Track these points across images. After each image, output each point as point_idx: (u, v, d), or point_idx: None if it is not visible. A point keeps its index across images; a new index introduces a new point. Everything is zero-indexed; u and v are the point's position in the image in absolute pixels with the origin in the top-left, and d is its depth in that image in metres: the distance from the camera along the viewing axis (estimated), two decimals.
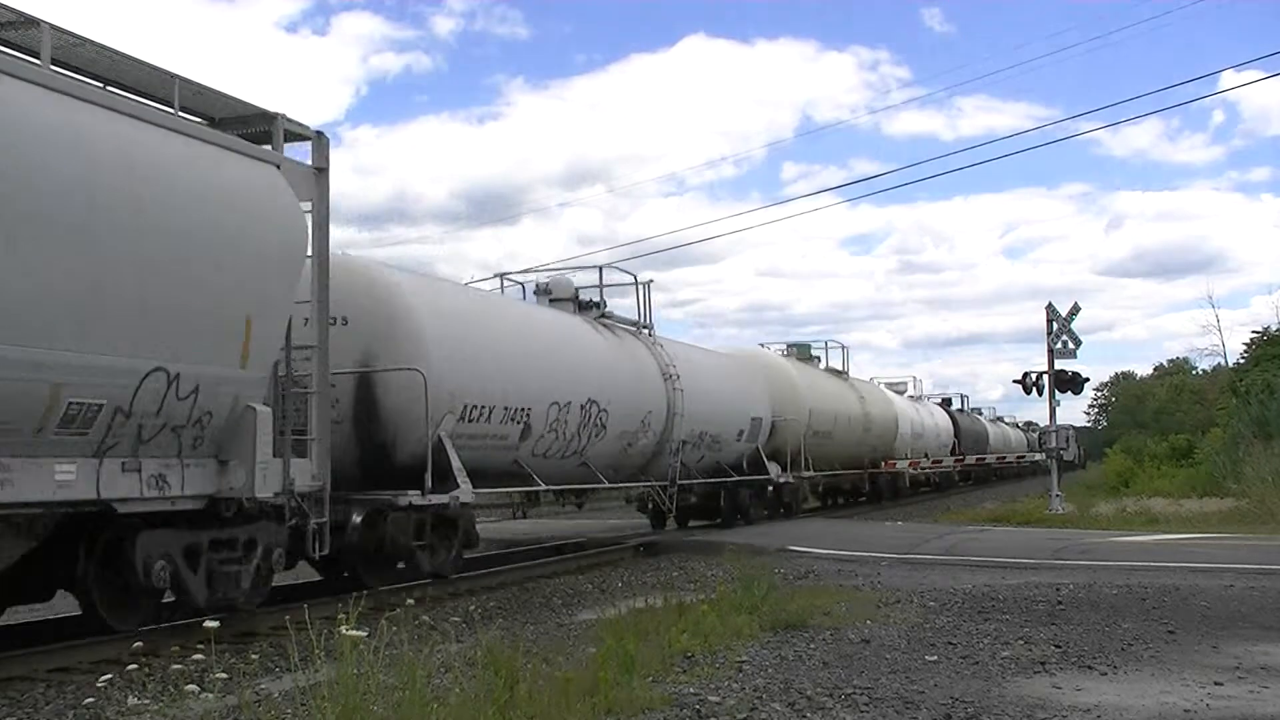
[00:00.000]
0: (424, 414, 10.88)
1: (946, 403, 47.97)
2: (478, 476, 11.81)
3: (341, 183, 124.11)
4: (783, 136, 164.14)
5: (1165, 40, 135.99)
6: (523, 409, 12.97)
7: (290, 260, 9.16)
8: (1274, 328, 41.16)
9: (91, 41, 7.88)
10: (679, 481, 17.55)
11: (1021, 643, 8.04)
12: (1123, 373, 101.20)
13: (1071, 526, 21.27)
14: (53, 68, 7.47)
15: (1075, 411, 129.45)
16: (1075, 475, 52.57)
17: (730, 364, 21.16)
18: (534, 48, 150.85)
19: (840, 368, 29.52)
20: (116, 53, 8.07)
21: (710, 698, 6.18)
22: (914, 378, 43.08)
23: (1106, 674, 6.95)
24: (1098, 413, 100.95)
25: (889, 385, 37.83)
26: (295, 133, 9.73)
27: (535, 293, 16.49)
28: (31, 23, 7.38)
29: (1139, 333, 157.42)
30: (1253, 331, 46.04)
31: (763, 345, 26.65)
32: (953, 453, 40.78)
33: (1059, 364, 25.34)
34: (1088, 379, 26.90)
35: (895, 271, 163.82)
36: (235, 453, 8.57)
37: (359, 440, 11.10)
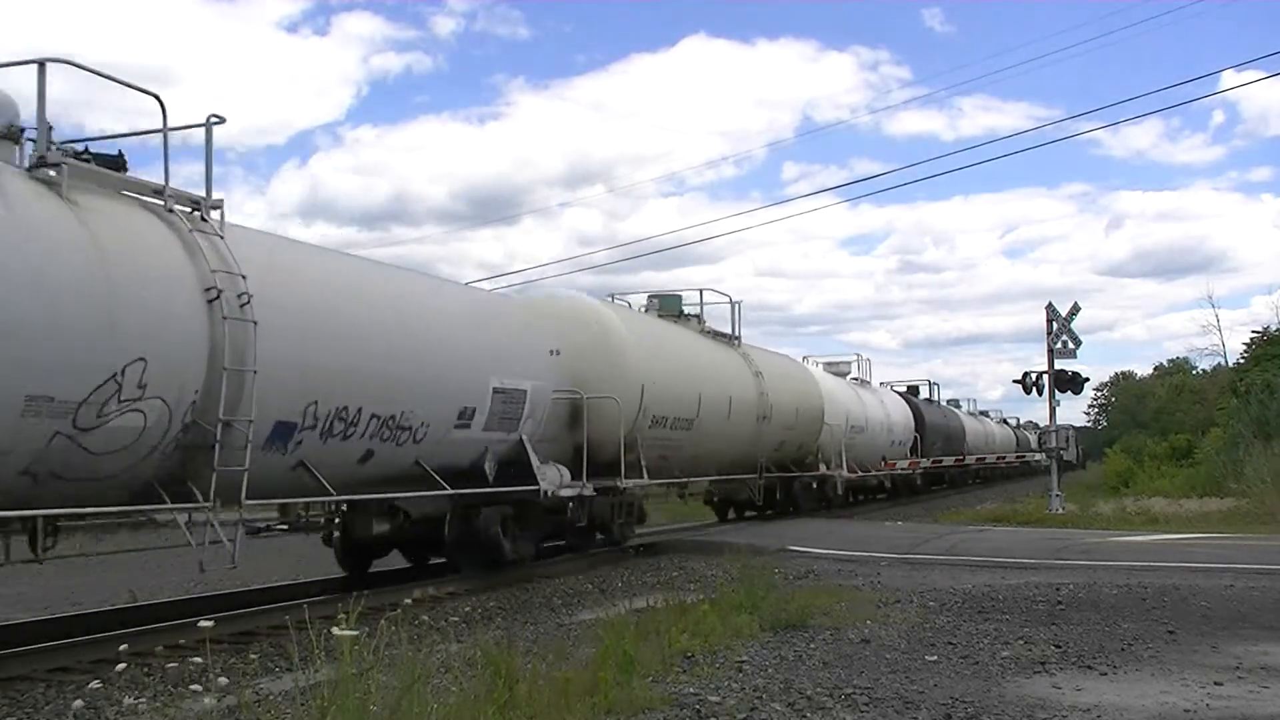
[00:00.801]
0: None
1: (913, 391, 41.02)
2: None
3: (342, 183, 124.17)
4: (783, 136, 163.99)
5: (1165, 40, 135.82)
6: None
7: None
8: (1274, 328, 41.18)
9: None
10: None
11: (1021, 643, 8.04)
12: (1123, 373, 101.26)
13: (1071, 526, 21.26)
14: None
15: (1075, 411, 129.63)
16: (1075, 475, 52.32)
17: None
18: (534, 48, 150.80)
19: (731, 331, 21.14)
20: None
21: (710, 698, 6.18)
22: (858, 356, 33.69)
23: (1106, 674, 6.95)
24: (1098, 413, 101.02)
25: (828, 365, 31.00)
26: None
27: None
28: None
29: (1139, 333, 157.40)
30: (1253, 331, 46.08)
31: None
32: (915, 451, 34.33)
33: (1059, 364, 25.34)
34: (1088, 379, 26.92)
35: (895, 271, 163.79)
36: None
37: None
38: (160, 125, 8.40)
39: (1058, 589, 11.07)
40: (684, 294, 20.39)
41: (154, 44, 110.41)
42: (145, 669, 7.29)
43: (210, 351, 8.13)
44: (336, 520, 11.68)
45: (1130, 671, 7.03)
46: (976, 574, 12.66)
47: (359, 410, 9.86)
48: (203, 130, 8.80)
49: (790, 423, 22.47)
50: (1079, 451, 39.47)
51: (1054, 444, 25.73)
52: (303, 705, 4.98)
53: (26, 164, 7.67)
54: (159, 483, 8.15)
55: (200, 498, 8.17)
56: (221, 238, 8.62)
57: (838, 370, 30.64)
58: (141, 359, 7.52)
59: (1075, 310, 25.53)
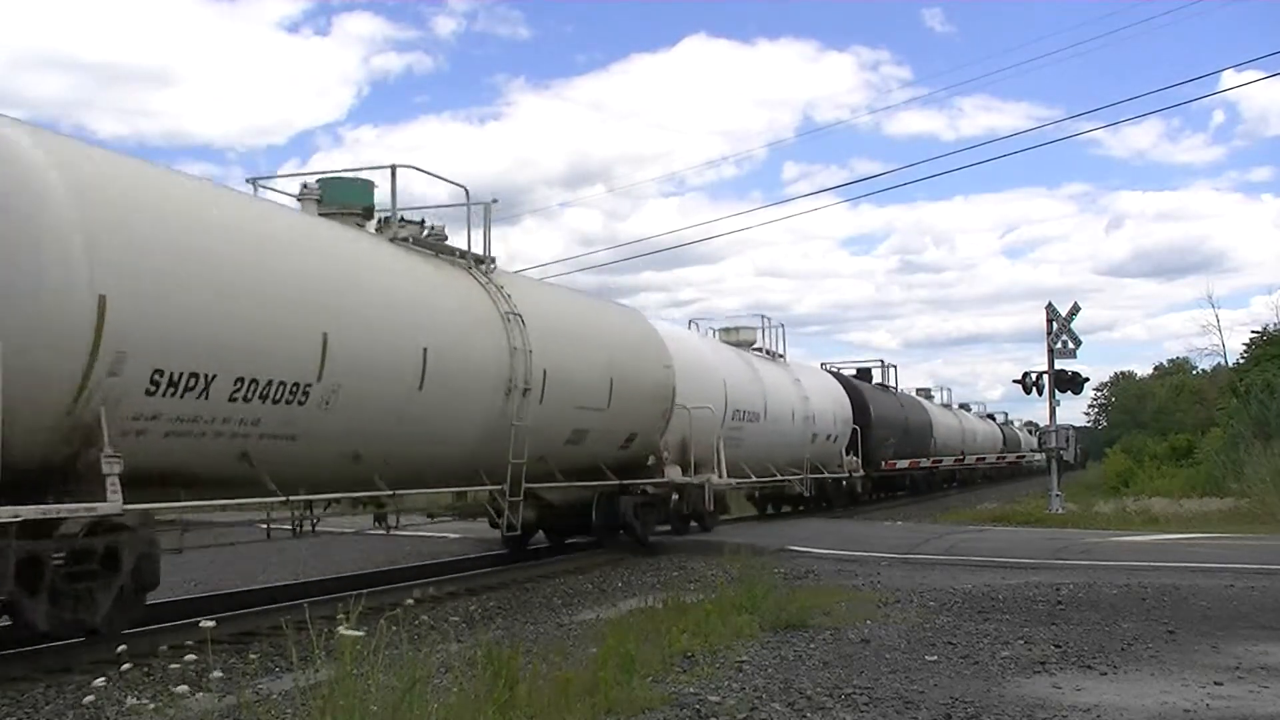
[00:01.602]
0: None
1: (864, 375, 32.94)
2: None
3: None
4: (783, 136, 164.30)
5: (1165, 40, 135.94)
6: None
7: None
8: (1274, 327, 41.17)
9: None
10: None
11: (1021, 643, 8.04)
12: (1123, 373, 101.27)
13: (1071, 526, 21.27)
14: None
15: (1075, 411, 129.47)
16: (1075, 475, 52.10)
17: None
18: (535, 48, 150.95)
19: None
20: None
21: (710, 698, 6.17)
22: (764, 318, 24.63)
23: (1106, 674, 6.95)
24: (1098, 413, 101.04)
25: (724, 335, 23.18)
26: None
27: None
28: None
29: (1139, 333, 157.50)
30: (1253, 331, 46.01)
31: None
32: (854, 450, 26.89)
33: (1059, 364, 25.35)
34: (1088, 379, 26.94)
35: (895, 271, 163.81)
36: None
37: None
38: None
39: (1058, 589, 11.07)
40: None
41: (154, 44, 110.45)
42: (146, 669, 7.28)
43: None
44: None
45: (1130, 671, 7.03)
46: (976, 574, 12.66)
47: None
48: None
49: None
50: (1077, 451, 37.57)
51: (1054, 444, 25.73)
52: (303, 705, 4.98)
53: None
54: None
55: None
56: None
57: (738, 340, 23.33)
58: None
59: (1075, 310, 25.58)
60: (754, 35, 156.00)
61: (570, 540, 16.26)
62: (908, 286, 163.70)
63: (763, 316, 24.64)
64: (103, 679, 5.70)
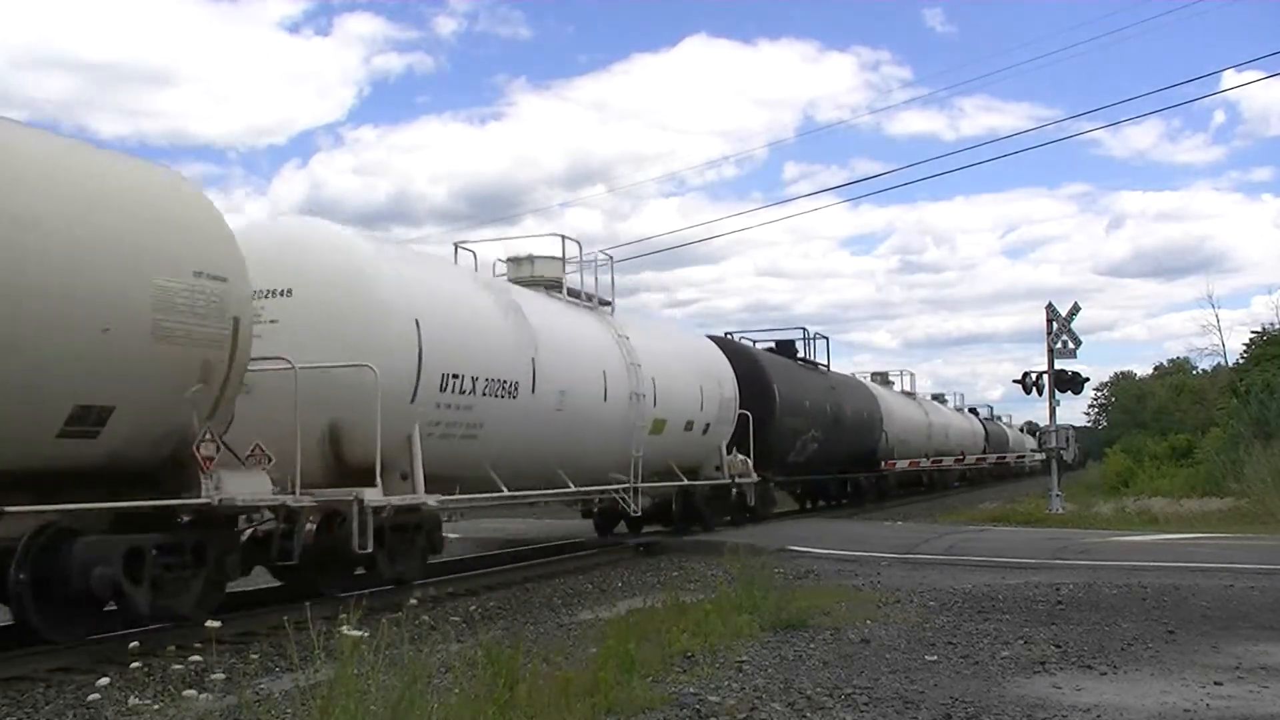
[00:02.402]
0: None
1: (785, 349, 25.18)
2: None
3: (343, 183, 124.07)
4: (784, 136, 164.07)
5: (1165, 40, 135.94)
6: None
7: None
8: (1274, 327, 41.16)
9: None
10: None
11: (1021, 643, 8.04)
12: (1123, 373, 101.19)
13: (1071, 526, 21.27)
14: None
15: (1075, 411, 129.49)
16: (1074, 475, 51.88)
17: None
18: (536, 48, 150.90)
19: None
20: None
21: (710, 697, 6.18)
22: (565, 240, 16.39)
23: (1106, 674, 6.95)
24: (1098, 413, 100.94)
25: (513, 268, 15.63)
26: None
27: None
28: None
29: (1139, 333, 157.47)
30: (1253, 331, 45.98)
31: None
32: (745, 447, 19.66)
33: (1059, 364, 25.35)
34: (1088, 379, 26.91)
35: (896, 271, 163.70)
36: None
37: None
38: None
39: (1058, 589, 11.08)
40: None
41: (155, 44, 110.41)
42: (146, 669, 7.28)
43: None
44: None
45: (1130, 671, 7.03)
46: (976, 574, 12.67)
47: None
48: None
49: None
50: (1076, 451, 33.08)
51: (1054, 444, 25.73)
52: (303, 705, 4.98)
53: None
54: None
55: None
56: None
57: (531, 277, 15.70)
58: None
59: (1075, 310, 25.57)
60: (755, 35, 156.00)
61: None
62: (908, 286, 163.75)
63: (564, 239, 16.33)
64: (105, 678, 5.71)
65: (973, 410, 53.80)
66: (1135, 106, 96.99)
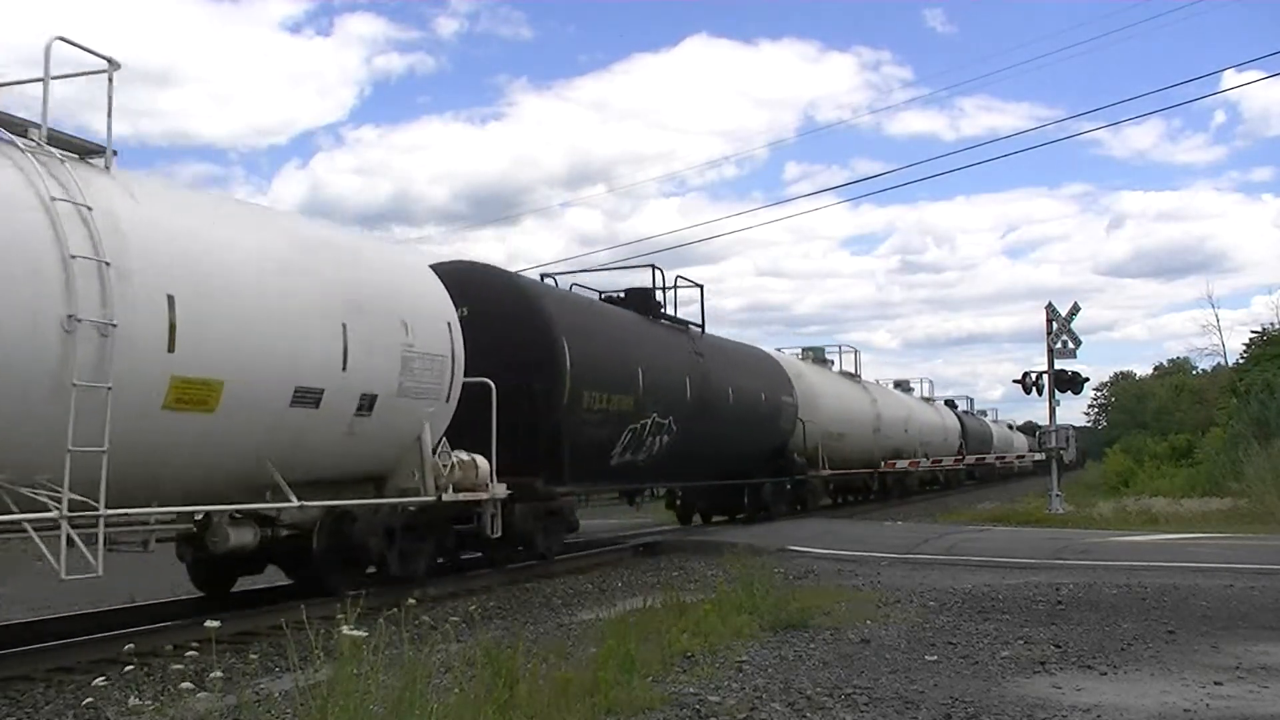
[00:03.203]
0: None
1: (639, 299, 17.58)
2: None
3: (344, 183, 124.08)
4: (784, 136, 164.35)
5: (1166, 40, 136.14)
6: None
7: None
8: (1274, 327, 41.15)
9: None
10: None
11: (1021, 643, 8.04)
12: (1123, 373, 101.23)
13: (1071, 526, 21.26)
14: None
15: (1075, 411, 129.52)
16: (1073, 475, 51.65)
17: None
18: (537, 48, 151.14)
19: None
20: None
21: (710, 698, 6.18)
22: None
23: (1106, 674, 6.95)
24: (1098, 413, 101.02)
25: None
26: None
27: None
28: None
29: (1139, 333, 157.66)
30: (1252, 331, 45.97)
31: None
32: (483, 439, 12.35)
33: (1059, 364, 25.34)
34: (1087, 379, 26.89)
35: (896, 271, 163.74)
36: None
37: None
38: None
39: (1058, 589, 11.07)
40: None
41: (156, 44, 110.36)
42: (146, 669, 7.29)
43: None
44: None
45: (1130, 671, 7.03)
46: (976, 574, 12.67)
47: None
48: None
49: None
50: (1076, 451, 31.36)
51: (1054, 444, 25.73)
52: (303, 705, 4.98)
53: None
54: None
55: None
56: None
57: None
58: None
59: (1075, 310, 25.58)
60: (756, 35, 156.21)
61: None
62: (908, 286, 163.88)
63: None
64: (103, 678, 5.71)
65: (949, 403, 46.23)
66: (1135, 106, 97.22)
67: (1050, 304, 25.39)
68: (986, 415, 55.69)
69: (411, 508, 11.16)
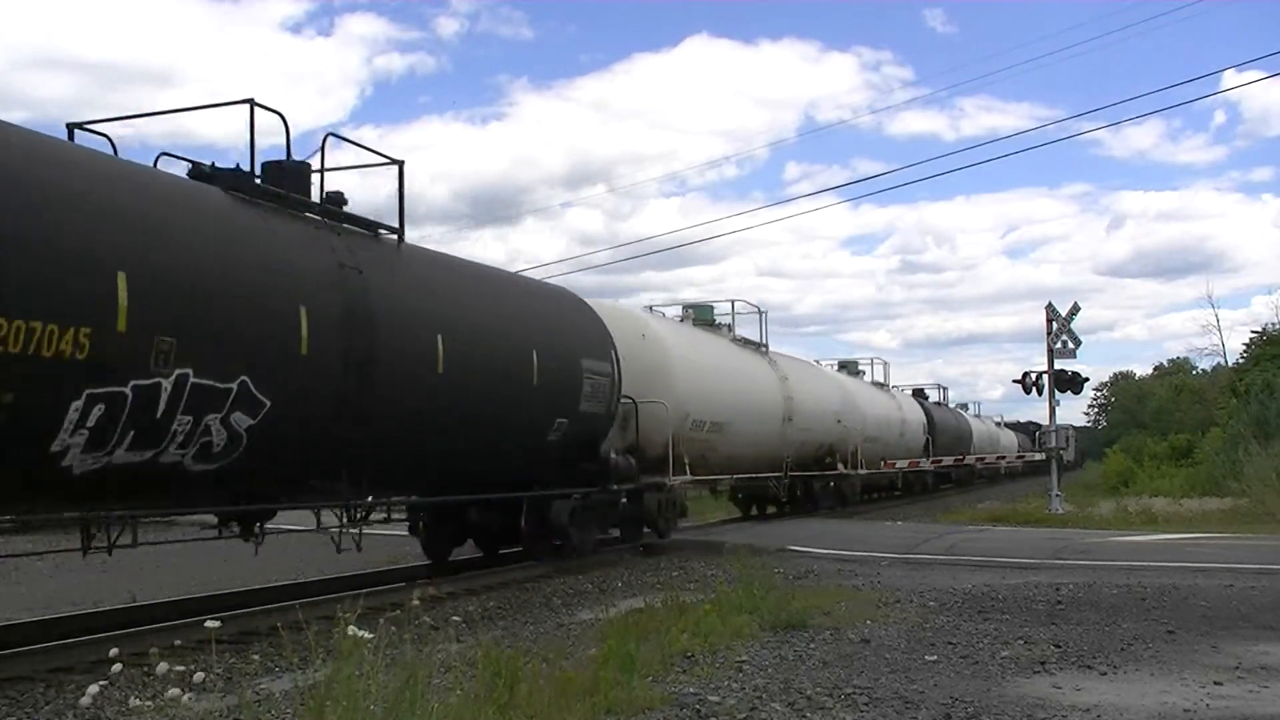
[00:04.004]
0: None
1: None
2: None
3: (344, 182, 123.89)
4: (785, 136, 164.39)
5: (1166, 40, 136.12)
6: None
7: None
8: (1274, 327, 41.17)
9: None
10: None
11: (1021, 642, 8.04)
12: (1123, 373, 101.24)
13: (1071, 526, 21.28)
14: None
15: (1075, 411, 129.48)
16: (1073, 475, 51.42)
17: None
18: (537, 48, 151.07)
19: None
20: None
21: (710, 697, 6.18)
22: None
23: (1106, 674, 6.95)
24: (1098, 413, 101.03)
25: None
26: None
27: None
28: None
29: (1139, 333, 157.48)
30: (1252, 331, 46.03)
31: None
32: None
33: (1059, 364, 25.36)
34: (1087, 379, 26.92)
35: (896, 271, 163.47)
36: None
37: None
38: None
39: (1058, 589, 11.08)
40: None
41: (157, 44, 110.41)
42: (145, 669, 7.28)
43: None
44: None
45: (1130, 671, 7.03)
46: (976, 574, 12.67)
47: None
48: None
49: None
50: (1076, 451, 31.00)
51: (1054, 444, 25.75)
52: (303, 705, 4.98)
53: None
54: None
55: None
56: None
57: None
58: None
59: (1075, 310, 25.62)
60: (756, 35, 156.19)
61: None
62: (908, 286, 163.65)
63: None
64: (103, 680, 5.70)
65: (919, 393, 39.44)
66: (1135, 106, 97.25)
67: (1050, 304, 25.44)
68: (969, 409, 49.54)
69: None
